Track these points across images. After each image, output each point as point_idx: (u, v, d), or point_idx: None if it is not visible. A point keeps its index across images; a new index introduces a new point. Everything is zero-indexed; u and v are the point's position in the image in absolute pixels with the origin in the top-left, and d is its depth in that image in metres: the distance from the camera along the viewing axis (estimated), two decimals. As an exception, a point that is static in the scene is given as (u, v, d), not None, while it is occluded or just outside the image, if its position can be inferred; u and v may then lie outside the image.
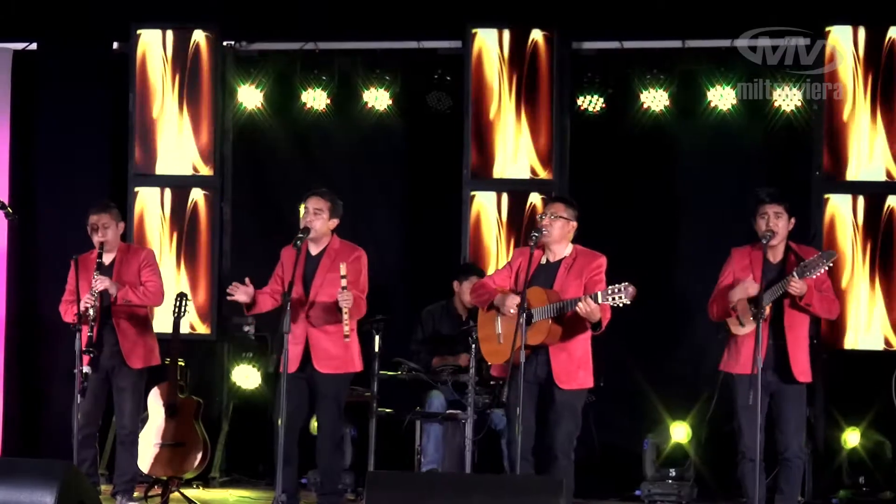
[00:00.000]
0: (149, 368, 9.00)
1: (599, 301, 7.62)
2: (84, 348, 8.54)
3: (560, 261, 7.99)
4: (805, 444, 8.24)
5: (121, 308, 8.78)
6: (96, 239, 8.82)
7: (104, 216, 8.87)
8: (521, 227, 10.21)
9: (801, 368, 7.91)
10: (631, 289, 7.57)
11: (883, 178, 9.73)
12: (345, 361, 8.40)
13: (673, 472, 9.75)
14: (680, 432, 9.84)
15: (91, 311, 8.60)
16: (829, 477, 9.70)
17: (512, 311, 7.84)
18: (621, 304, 7.61)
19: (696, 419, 9.89)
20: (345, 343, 8.33)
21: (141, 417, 9.27)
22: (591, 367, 8.00)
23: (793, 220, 7.97)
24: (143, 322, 8.93)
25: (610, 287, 7.64)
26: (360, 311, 8.38)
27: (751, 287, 7.80)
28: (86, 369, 8.55)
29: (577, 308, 7.68)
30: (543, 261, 8.05)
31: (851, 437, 9.68)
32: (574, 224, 8.05)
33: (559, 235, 8.01)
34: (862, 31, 9.77)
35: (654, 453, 9.83)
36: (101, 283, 8.66)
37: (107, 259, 8.83)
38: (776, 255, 7.97)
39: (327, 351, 8.36)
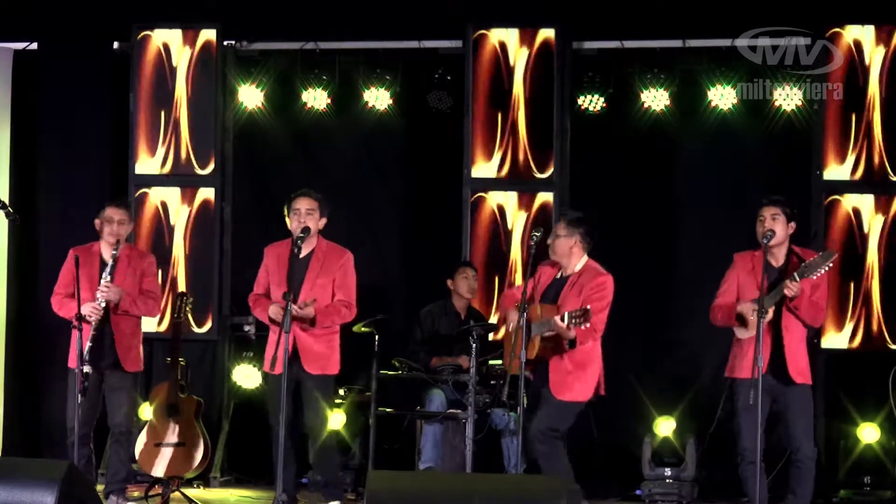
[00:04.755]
0: (139, 372, 9.01)
1: (565, 321, 7.87)
2: (84, 357, 8.54)
3: (569, 276, 8.14)
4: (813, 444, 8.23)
5: (119, 313, 8.78)
6: (110, 234, 8.75)
7: (121, 212, 8.80)
8: (523, 226, 10.23)
9: (799, 369, 7.91)
10: (588, 314, 7.81)
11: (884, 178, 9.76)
12: (330, 363, 8.52)
13: (669, 472, 9.76)
14: (666, 427, 9.86)
15: (93, 319, 8.57)
16: (831, 477, 9.70)
17: (511, 327, 8.20)
18: (583, 328, 7.87)
19: (689, 416, 9.92)
20: (331, 345, 8.48)
21: (136, 418, 9.28)
22: (588, 380, 8.20)
23: (792, 225, 7.97)
24: (136, 326, 8.93)
25: (576, 310, 7.88)
26: (342, 317, 8.53)
27: (748, 312, 7.82)
28: (86, 368, 8.54)
29: (552, 326, 7.99)
30: (559, 276, 8.30)
31: (867, 433, 9.66)
32: (576, 240, 8.21)
33: (561, 252, 8.24)
34: (862, 31, 9.77)
35: (650, 453, 9.85)
36: (107, 293, 8.63)
37: (111, 255, 8.80)
38: (778, 259, 7.97)
39: (314, 352, 8.45)
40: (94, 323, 8.56)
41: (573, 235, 8.20)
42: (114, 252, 8.71)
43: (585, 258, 8.26)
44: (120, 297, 8.69)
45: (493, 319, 10.09)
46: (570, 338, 8.01)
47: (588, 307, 7.85)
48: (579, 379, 8.14)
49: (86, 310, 8.57)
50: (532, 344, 8.09)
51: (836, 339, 9.74)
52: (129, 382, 8.84)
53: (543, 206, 10.20)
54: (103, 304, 8.62)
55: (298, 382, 8.45)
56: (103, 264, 8.74)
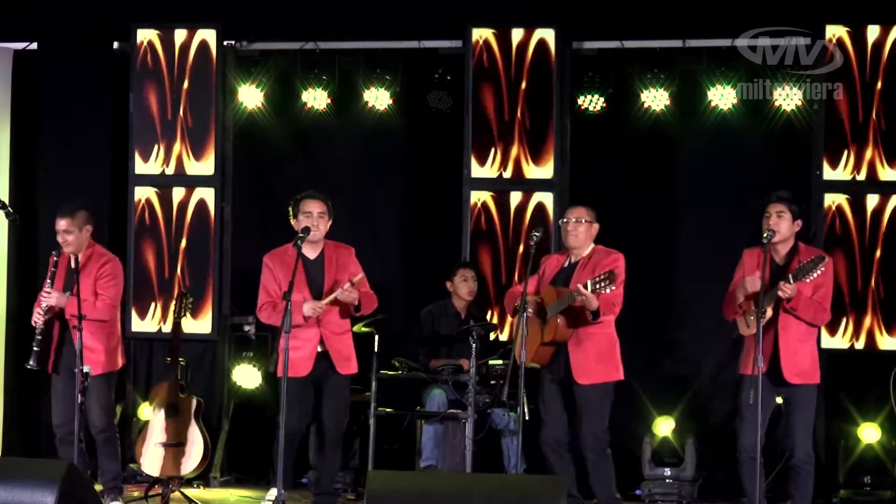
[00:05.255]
0: (112, 373, 8.96)
1: (589, 289, 7.85)
2: (31, 363, 8.67)
3: (579, 261, 8.20)
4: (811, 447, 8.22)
5: (69, 317, 8.70)
6: (59, 242, 8.80)
7: (63, 221, 8.78)
8: (522, 227, 10.22)
9: (797, 370, 7.89)
10: (613, 275, 7.84)
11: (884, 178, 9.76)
12: (352, 362, 8.55)
13: (668, 472, 9.76)
14: (665, 427, 9.87)
15: (40, 325, 8.64)
16: (830, 477, 9.70)
17: (530, 309, 8.16)
18: (608, 290, 7.88)
19: (689, 416, 9.94)
20: (351, 344, 8.52)
21: (132, 417, 9.28)
22: (613, 361, 8.24)
23: (799, 223, 7.98)
24: (99, 328, 8.77)
25: (598, 275, 7.91)
26: (375, 303, 8.57)
27: (749, 284, 7.82)
28: (86, 368, 8.53)
29: (576, 297, 7.93)
30: (566, 263, 8.34)
31: (868, 433, 9.66)
32: (596, 226, 8.35)
33: (584, 238, 8.32)
34: (862, 31, 9.77)
35: (650, 453, 9.85)
36: (47, 299, 8.65)
37: (73, 261, 8.76)
38: (782, 256, 7.97)
39: (341, 352, 8.47)
40: (38, 328, 8.65)
41: (594, 222, 8.33)
42: (55, 259, 8.75)
43: (593, 244, 8.34)
44: (62, 303, 8.66)
45: (494, 320, 10.10)
46: (594, 307, 7.96)
47: (613, 269, 7.87)
48: (602, 361, 8.15)
49: (34, 317, 8.67)
50: (550, 327, 8.09)
51: (836, 339, 9.73)
52: (97, 384, 8.77)
53: (543, 207, 10.19)
54: (44, 309, 8.64)
55: (323, 383, 8.46)
56: (69, 269, 8.73)
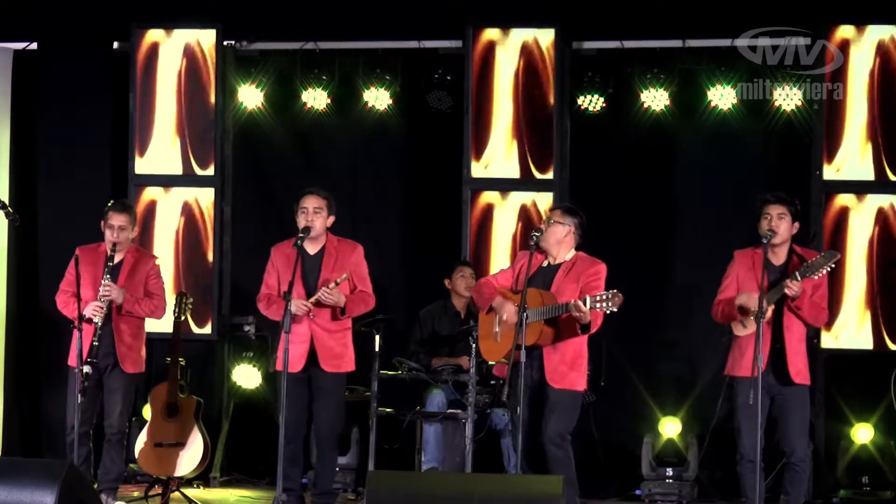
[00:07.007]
0: (139, 374, 9.03)
1: (588, 306, 7.75)
2: (86, 358, 8.55)
3: (560, 264, 8.08)
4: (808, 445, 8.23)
5: (122, 314, 8.80)
6: (110, 238, 8.81)
7: (122, 217, 8.84)
8: (521, 226, 10.23)
9: (798, 370, 7.90)
10: (618, 298, 7.71)
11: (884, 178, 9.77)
12: (344, 361, 8.51)
13: (670, 472, 9.76)
14: (671, 428, 9.87)
15: (97, 319, 8.62)
16: (830, 477, 9.70)
17: (505, 317, 8.02)
18: (608, 311, 7.75)
19: (690, 415, 9.94)
20: (345, 342, 8.46)
21: (134, 419, 9.27)
22: (583, 371, 8.12)
23: (797, 224, 7.97)
24: (138, 328, 8.94)
25: (600, 294, 7.77)
26: (367, 306, 8.55)
27: (745, 300, 7.80)
28: (86, 369, 8.54)
29: (571, 311, 7.80)
30: (545, 264, 8.20)
31: (862, 434, 9.67)
32: (571, 229, 8.16)
33: (554, 240, 8.15)
34: (862, 31, 9.77)
35: (651, 453, 9.85)
36: (109, 291, 8.66)
37: (116, 258, 8.82)
38: (779, 258, 7.95)
39: (331, 350, 8.44)
40: (98, 323, 8.61)
41: (569, 224, 8.15)
42: (111, 253, 8.75)
43: (574, 250, 8.20)
44: (122, 297, 8.72)
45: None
46: (586, 322, 7.86)
47: (615, 290, 7.74)
48: (574, 368, 8.05)
49: (88, 311, 8.62)
50: (531, 331, 7.90)
51: (835, 339, 9.74)
52: (126, 384, 8.85)
53: (543, 207, 10.19)
54: (106, 304, 8.64)
55: (314, 382, 8.46)
56: (108, 267, 8.78)
